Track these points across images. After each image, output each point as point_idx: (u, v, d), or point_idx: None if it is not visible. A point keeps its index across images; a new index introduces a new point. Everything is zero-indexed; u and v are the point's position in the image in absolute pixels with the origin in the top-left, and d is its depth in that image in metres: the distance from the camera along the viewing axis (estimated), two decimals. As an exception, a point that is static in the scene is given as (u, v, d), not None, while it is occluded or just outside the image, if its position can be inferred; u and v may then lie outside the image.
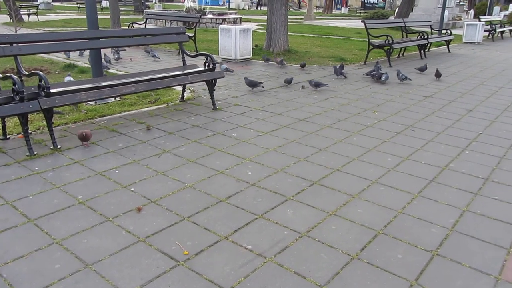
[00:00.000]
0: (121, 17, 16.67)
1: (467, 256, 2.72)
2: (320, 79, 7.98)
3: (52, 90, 4.22)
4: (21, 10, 20.25)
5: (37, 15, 22.08)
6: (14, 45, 4.50)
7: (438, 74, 8.59)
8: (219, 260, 2.61)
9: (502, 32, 19.67)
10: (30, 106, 4.05)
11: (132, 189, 3.50)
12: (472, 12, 32.01)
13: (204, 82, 5.98)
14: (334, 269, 2.55)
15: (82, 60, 9.50)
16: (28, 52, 4.79)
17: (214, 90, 6.00)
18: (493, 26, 18.31)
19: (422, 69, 9.28)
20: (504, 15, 29.27)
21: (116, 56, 9.80)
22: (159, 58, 10.04)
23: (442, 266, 2.62)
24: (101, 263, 2.55)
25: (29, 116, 4.33)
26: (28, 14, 21.55)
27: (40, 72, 4.25)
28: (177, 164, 4.00)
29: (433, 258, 2.69)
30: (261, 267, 2.55)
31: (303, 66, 9.54)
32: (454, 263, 2.64)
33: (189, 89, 7.00)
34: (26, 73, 4.53)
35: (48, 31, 14.65)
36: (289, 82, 7.52)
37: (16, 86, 4.03)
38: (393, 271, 2.55)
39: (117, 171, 3.82)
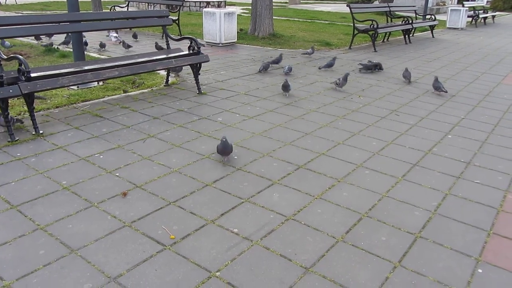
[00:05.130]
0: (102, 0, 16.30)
1: (449, 238, 2.77)
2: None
3: (32, 75, 4.13)
4: (-2, -8, 19.62)
5: (15, -3, 21.41)
6: (-9, 28, 4.37)
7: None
8: (206, 244, 2.61)
9: (485, 18, 19.86)
10: (10, 91, 3.95)
11: (117, 174, 3.47)
12: (455, -3, 32.15)
13: (188, 66, 5.91)
14: (320, 252, 2.58)
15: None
16: (6, 35, 4.66)
17: (199, 74, 5.94)
18: (476, 12, 18.47)
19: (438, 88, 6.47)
20: (487, 1, 29.51)
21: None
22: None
23: (424, 248, 2.67)
24: (87, 248, 2.53)
25: (9, 101, 4.23)
26: (6, -4, 20.87)
27: (20, 56, 4.14)
28: (162, 149, 3.98)
29: (416, 240, 2.74)
30: (247, 250, 2.57)
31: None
32: (437, 245, 2.70)
33: (174, 73, 6.92)
34: (5, 57, 4.40)
35: (27, 14, 14.27)
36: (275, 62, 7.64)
37: (-5, 70, 3.93)
38: (377, 253, 2.60)
39: (101, 156, 3.77)
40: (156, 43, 9.18)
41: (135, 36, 10.66)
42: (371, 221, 2.93)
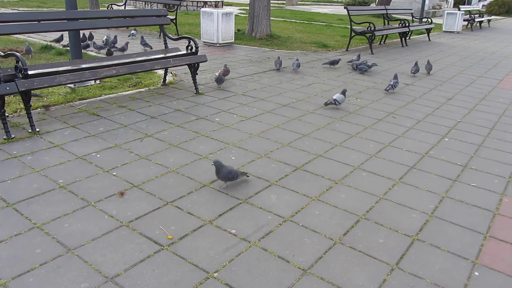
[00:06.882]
0: (99, -3, 16.25)
1: (445, 241, 2.78)
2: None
3: (29, 72, 4.10)
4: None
5: (11, -6, 21.30)
6: (-13, 24, 4.33)
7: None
8: (204, 245, 2.61)
9: (480, 22, 19.98)
10: (7, 88, 3.92)
11: (114, 173, 3.45)
12: (452, 1, 32.33)
13: (186, 66, 5.90)
14: (318, 254, 2.58)
15: (60, 43, 9.24)
16: (2, 32, 4.62)
17: (197, 74, 5.93)
18: (472, 15, 18.59)
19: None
20: (483, 5, 29.73)
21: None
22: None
23: (421, 250, 2.68)
24: (84, 248, 2.52)
25: (5, 98, 4.20)
26: (2, -7, 20.75)
27: (17, 53, 4.12)
28: (159, 149, 3.96)
29: (413, 243, 2.75)
30: (245, 251, 2.57)
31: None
32: (433, 248, 2.71)
33: (171, 73, 6.91)
34: (2, 54, 4.38)
35: (23, 11, 14.20)
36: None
37: (-8, 66, 3.90)
38: (375, 255, 2.60)
39: (98, 155, 3.75)
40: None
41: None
42: (368, 223, 2.94)
